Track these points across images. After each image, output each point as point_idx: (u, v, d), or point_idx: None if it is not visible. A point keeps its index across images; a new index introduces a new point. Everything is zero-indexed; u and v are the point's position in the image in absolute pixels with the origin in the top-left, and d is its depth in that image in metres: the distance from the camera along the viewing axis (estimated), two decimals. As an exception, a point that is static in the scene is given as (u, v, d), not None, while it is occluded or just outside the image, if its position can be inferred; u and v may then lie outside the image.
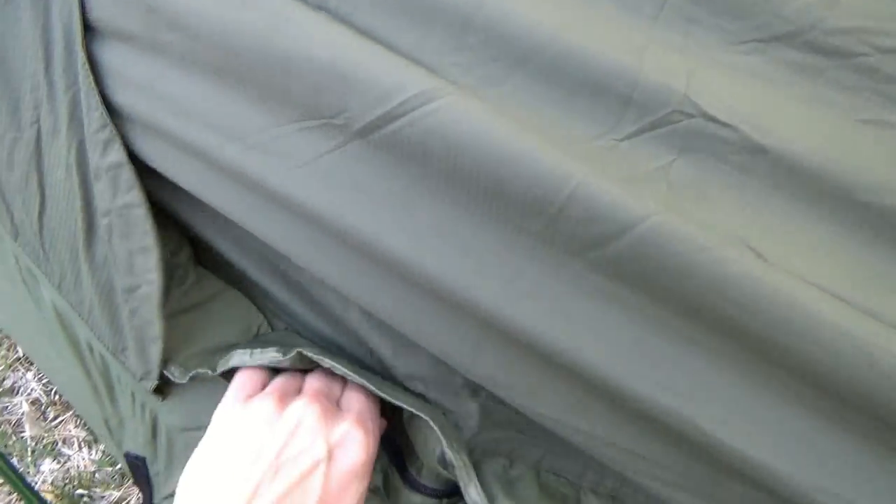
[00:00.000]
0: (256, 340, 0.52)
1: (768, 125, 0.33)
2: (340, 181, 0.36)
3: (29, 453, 0.83)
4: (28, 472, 0.81)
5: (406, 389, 0.47)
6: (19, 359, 0.91)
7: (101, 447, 0.84)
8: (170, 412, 0.54)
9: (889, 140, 0.33)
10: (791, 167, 0.33)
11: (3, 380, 0.89)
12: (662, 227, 0.30)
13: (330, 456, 0.38)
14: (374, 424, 0.43)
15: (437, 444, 0.42)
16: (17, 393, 0.88)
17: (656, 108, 0.33)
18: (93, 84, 0.46)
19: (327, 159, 0.37)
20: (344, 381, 0.46)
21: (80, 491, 0.79)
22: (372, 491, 0.47)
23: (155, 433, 0.57)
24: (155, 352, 0.49)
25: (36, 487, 0.72)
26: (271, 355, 0.45)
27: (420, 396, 0.47)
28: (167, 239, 0.52)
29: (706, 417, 0.33)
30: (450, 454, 0.41)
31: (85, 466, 0.82)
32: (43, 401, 0.87)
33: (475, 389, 0.45)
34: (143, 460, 0.60)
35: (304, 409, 0.40)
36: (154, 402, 0.54)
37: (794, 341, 0.29)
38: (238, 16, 0.38)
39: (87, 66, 0.46)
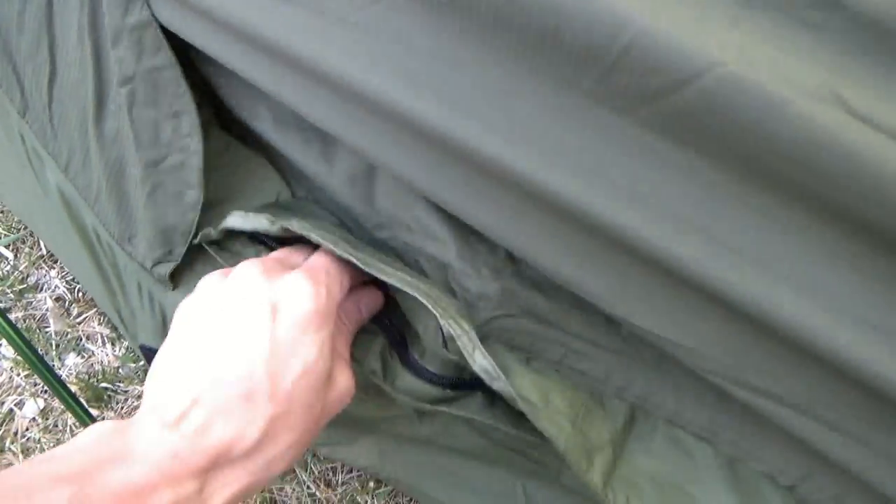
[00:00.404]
0: (267, 207, 0.49)
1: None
2: (379, 37, 0.33)
3: (53, 348, 0.83)
4: (53, 366, 0.81)
5: (406, 266, 0.44)
6: (42, 256, 0.90)
7: (125, 343, 0.84)
8: (177, 302, 0.52)
9: None
10: (869, 23, 0.28)
11: (27, 276, 0.89)
12: (736, 75, 0.26)
13: (273, 308, 0.36)
14: (334, 280, 0.39)
15: (433, 320, 0.39)
16: (41, 290, 0.88)
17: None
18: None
19: (366, 13, 0.33)
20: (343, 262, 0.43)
21: (104, 385, 0.80)
22: (371, 373, 0.44)
23: (164, 324, 0.55)
24: (185, 226, 0.46)
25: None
26: (261, 221, 0.42)
27: (429, 273, 0.44)
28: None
29: (770, 295, 0.29)
30: (445, 324, 0.38)
31: (109, 362, 0.83)
32: (67, 298, 0.87)
33: (498, 269, 0.41)
34: (156, 352, 0.60)
35: (245, 269, 0.38)
36: (160, 292, 0.52)
37: (882, 212, 0.26)
38: None
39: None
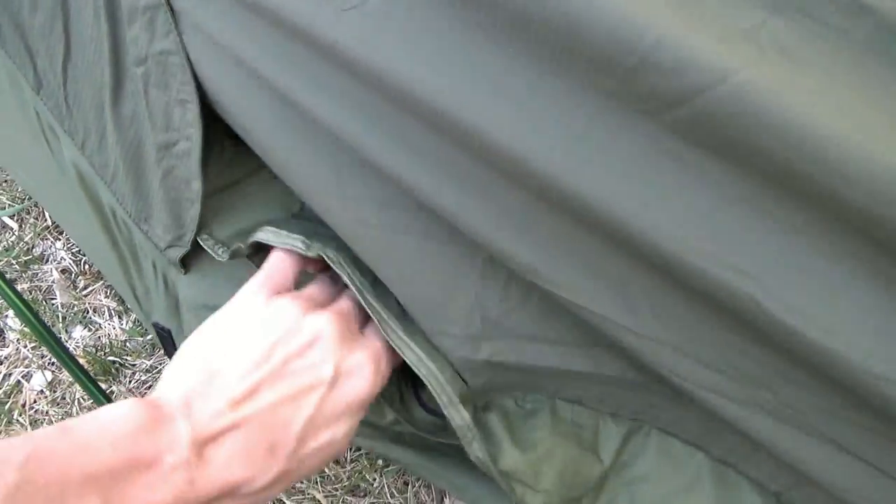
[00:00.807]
0: (291, 221, 0.49)
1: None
2: (391, 25, 0.32)
3: (60, 320, 0.83)
4: (60, 339, 0.81)
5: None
6: (48, 227, 0.90)
7: (132, 317, 0.84)
8: (189, 286, 0.52)
9: None
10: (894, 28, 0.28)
11: (33, 247, 0.88)
12: (755, 82, 0.26)
13: (335, 381, 0.37)
14: (387, 365, 0.41)
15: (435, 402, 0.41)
16: (47, 261, 0.88)
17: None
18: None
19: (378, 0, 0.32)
20: None
21: (111, 358, 0.80)
22: (386, 400, 0.46)
23: (178, 306, 0.55)
24: (192, 214, 0.46)
25: (67, 353, 0.72)
26: (295, 242, 0.42)
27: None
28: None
29: (774, 299, 0.30)
30: (449, 416, 0.40)
31: (116, 335, 0.83)
32: (73, 270, 0.87)
33: (475, 342, 0.41)
34: (168, 332, 0.60)
35: (327, 324, 0.39)
36: (174, 274, 0.52)
37: (891, 212, 0.26)
38: None
39: None
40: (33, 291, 0.85)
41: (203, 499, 0.33)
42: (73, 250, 0.88)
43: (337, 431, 0.38)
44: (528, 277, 0.38)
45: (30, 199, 0.91)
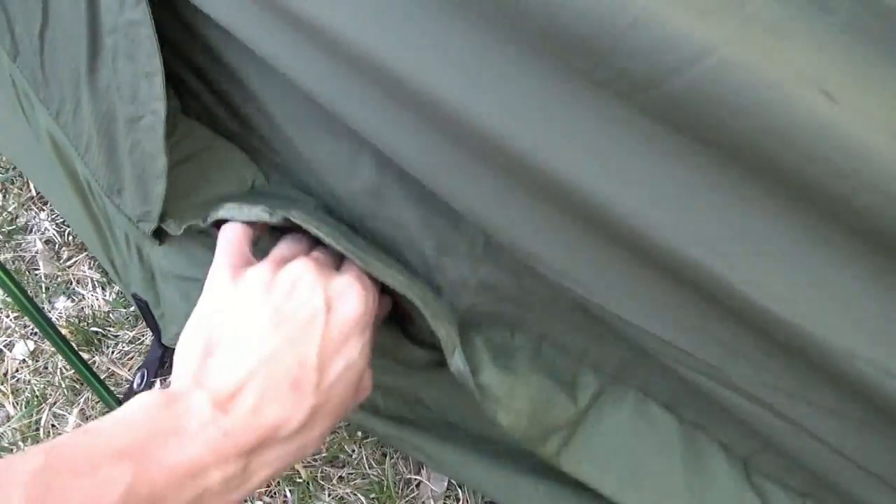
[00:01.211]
0: (250, 194, 0.49)
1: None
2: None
3: (43, 290, 0.83)
4: (43, 308, 0.82)
5: (402, 256, 0.45)
6: (32, 198, 0.90)
7: (116, 288, 0.84)
8: (164, 257, 0.53)
9: None
10: (879, 9, 0.28)
11: (16, 217, 0.88)
12: (731, 60, 0.26)
13: (328, 307, 0.38)
14: (372, 288, 0.42)
15: (423, 320, 0.42)
16: (31, 231, 0.88)
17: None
18: None
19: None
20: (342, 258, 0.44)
21: (94, 329, 0.81)
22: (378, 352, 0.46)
23: (153, 277, 0.56)
24: (158, 190, 0.46)
25: (49, 323, 0.72)
26: (258, 213, 0.42)
27: (416, 265, 0.45)
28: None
29: (743, 277, 0.30)
30: (434, 327, 0.41)
31: (99, 306, 0.83)
32: (57, 241, 0.87)
33: (477, 260, 0.42)
34: (146, 303, 0.60)
35: (302, 267, 0.40)
36: (147, 245, 0.52)
37: (861, 194, 0.26)
38: None
39: None
40: (16, 262, 0.85)
41: (243, 446, 0.33)
42: (58, 221, 0.88)
43: (350, 353, 0.38)
44: (508, 249, 0.38)
45: (14, 168, 0.91)
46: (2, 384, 0.77)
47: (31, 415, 0.75)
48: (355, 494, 0.70)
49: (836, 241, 0.29)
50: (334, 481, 0.71)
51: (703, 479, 0.44)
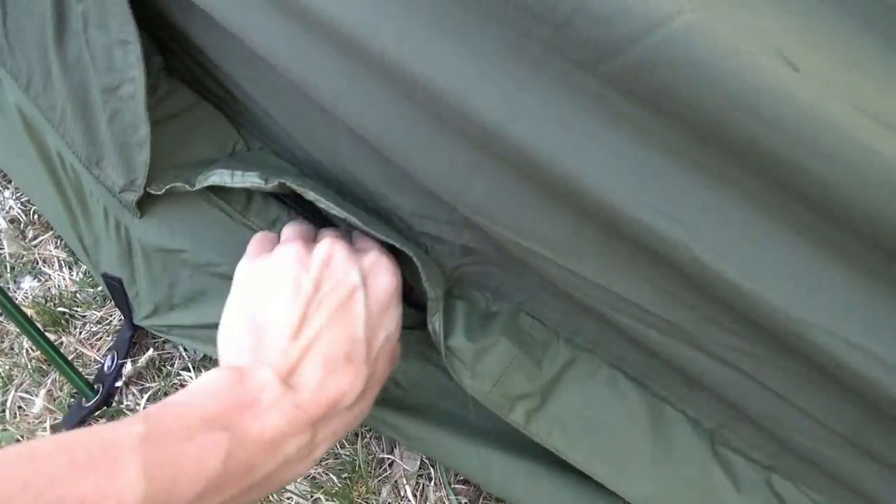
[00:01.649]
0: (234, 160, 0.49)
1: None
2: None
3: (8, 270, 0.82)
4: (8, 289, 0.80)
5: (389, 223, 0.46)
6: (-5, 175, 0.88)
7: (83, 268, 0.83)
8: (146, 231, 0.52)
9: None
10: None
11: (-21, 195, 0.86)
12: (693, 26, 0.26)
13: (365, 282, 0.41)
14: (391, 258, 0.44)
15: (418, 278, 0.43)
16: (-6, 210, 0.86)
17: None
18: None
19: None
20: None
21: (61, 309, 0.79)
22: None
23: (131, 253, 0.55)
24: (142, 158, 0.46)
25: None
26: (253, 180, 0.43)
27: (402, 230, 0.46)
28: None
29: (704, 246, 0.31)
30: (425, 287, 0.43)
31: (66, 286, 0.82)
32: (22, 220, 0.85)
33: (460, 224, 0.43)
34: (119, 281, 0.59)
35: (332, 245, 0.42)
36: (129, 219, 0.52)
37: (818, 163, 0.27)
38: None
39: None
40: (-20, 241, 0.83)
41: (314, 417, 0.36)
42: (23, 199, 0.86)
43: (389, 324, 0.42)
44: (477, 221, 0.39)
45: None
46: (-35, 365, 0.75)
47: (-3, 396, 0.74)
48: (327, 474, 0.70)
49: (796, 210, 0.30)
50: (307, 461, 0.71)
51: (670, 451, 0.45)
